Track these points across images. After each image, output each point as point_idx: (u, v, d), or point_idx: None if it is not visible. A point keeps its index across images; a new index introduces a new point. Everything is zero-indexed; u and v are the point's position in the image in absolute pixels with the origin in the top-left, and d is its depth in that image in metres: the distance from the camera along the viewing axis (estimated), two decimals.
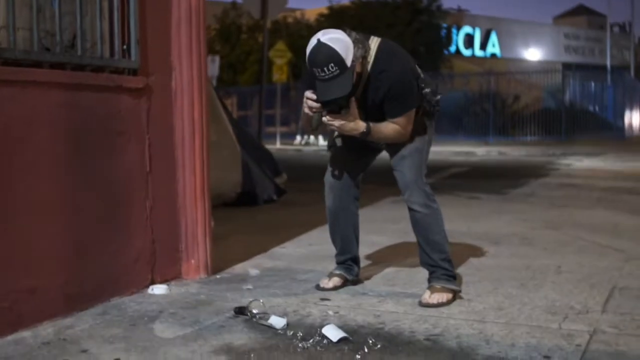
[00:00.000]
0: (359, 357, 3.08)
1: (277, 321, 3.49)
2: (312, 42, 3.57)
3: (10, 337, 3.31)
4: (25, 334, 3.36)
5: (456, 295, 3.97)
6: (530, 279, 4.48)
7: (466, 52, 36.13)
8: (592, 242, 5.74)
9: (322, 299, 4.00)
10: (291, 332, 3.38)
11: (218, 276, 4.56)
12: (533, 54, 38.37)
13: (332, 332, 3.30)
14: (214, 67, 22.49)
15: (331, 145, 3.99)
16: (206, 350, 3.18)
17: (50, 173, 3.57)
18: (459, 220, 6.82)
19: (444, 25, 31.48)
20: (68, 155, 3.66)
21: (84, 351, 3.16)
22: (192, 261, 4.46)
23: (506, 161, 15.72)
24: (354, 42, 3.62)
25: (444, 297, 3.90)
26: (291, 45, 26.74)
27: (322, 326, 3.41)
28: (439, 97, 3.92)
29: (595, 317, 3.64)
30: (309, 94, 3.70)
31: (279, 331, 3.42)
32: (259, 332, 3.41)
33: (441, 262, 3.97)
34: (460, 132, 26.68)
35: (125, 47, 4.03)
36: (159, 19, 4.26)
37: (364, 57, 3.71)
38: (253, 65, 31.36)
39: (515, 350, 3.16)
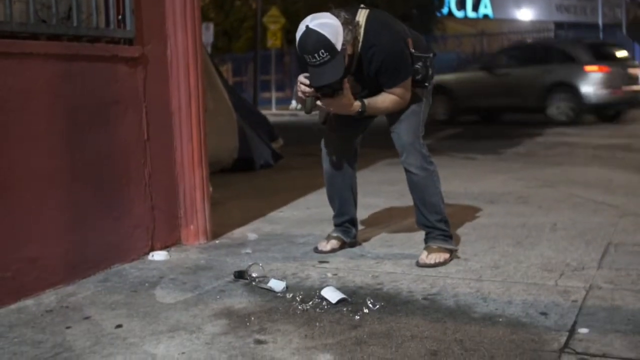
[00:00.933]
0: (358, 317, 3.09)
1: (276, 284, 3.50)
2: (301, 28, 3.52)
3: (13, 306, 3.31)
4: (29, 302, 3.37)
5: (453, 254, 3.98)
6: (525, 237, 4.49)
7: (458, 14, 35.87)
8: (587, 199, 5.75)
9: (321, 262, 4.01)
10: (290, 295, 3.39)
11: (217, 241, 4.56)
12: (525, 14, 38.09)
13: (331, 294, 3.31)
14: (208, 34, 22.34)
15: (324, 121, 3.95)
16: (207, 314, 3.18)
17: (48, 143, 3.56)
18: (456, 180, 6.82)
19: None
20: (66, 125, 3.65)
21: (87, 318, 3.17)
22: (191, 227, 4.46)
23: (502, 120, 15.67)
24: (343, 24, 3.57)
25: (441, 257, 3.91)
26: (285, 10, 26.55)
27: (321, 288, 3.42)
28: (431, 72, 3.89)
29: (591, 273, 3.65)
30: (302, 78, 3.67)
31: (279, 294, 3.43)
32: (259, 296, 3.42)
33: (437, 223, 3.97)
34: None
35: (120, 17, 4.00)
36: None
37: (355, 38, 3.68)
38: (247, 32, 31.17)
39: (512, 307, 3.17)
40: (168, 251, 4.24)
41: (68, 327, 3.06)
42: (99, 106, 3.83)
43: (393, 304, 3.27)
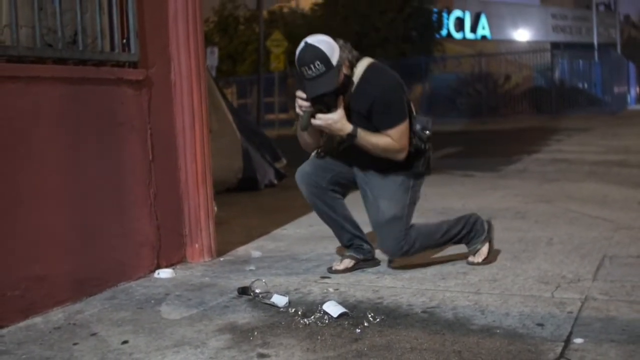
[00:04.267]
0: (359, 330, 3.09)
1: (279, 300, 3.50)
2: (301, 45, 3.65)
3: (22, 324, 3.32)
4: (37, 319, 3.38)
5: (488, 242, 4.16)
6: (522, 251, 4.49)
7: (457, 35, 35.99)
8: (583, 214, 5.75)
9: (323, 277, 4.01)
10: (293, 310, 3.39)
11: (222, 259, 4.56)
12: (522, 34, 38.24)
13: (333, 308, 3.31)
14: (213, 57, 22.46)
15: (306, 128, 3.83)
16: (211, 329, 3.19)
17: (56, 163, 3.58)
18: (454, 197, 6.83)
19: (435, 10, 31.36)
20: (73, 146, 3.67)
21: (94, 334, 3.17)
22: (196, 245, 4.46)
23: (500, 139, 15.67)
24: (340, 47, 3.69)
25: (481, 255, 4.14)
26: (287, 34, 26.69)
27: (322, 303, 3.42)
28: (428, 132, 3.90)
29: (587, 285, 3.65)
30: (299, 92, 3.73)
31: (281, 309, 3.43)
32: (262, 311, 3.42)
33: (457, 239, 4.12)
34: (454, 112, 26.68)
35: (124, 40, 4.03)
36: (157, 12, 4.25)
37: (351, 62, 3.74)
38: (251, 55, 31.31)
39: (509, 319, 3.16)
40: (174, 269, 4.25)
41: (75, 344, 3.06)
42: (105, 128, 3.85)
43: (393, 317, 3.27)
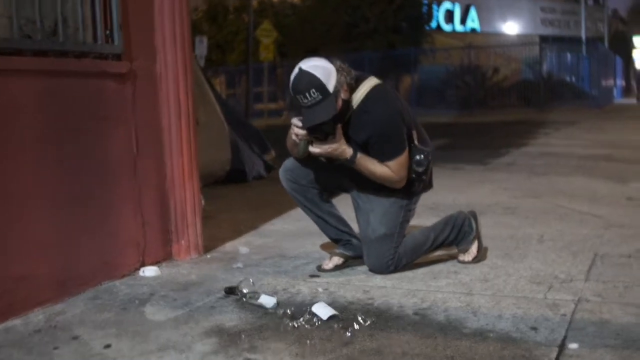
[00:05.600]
0: (349, 334, 2.99)
1: (267, 300, 3.39)
2: (295, 70, 3.47)
3: (1, 326, 3.19)
4: (16, 322, 3.25)
5: (477, 240, 4.07)
6: (514, 248, 4.40)
7: (447, 28, 35.88)
8: (572, 210, 5.67)
9: (312, 276, 3.91)
10: (281, 311, 3.28)
11: (208, 256, 4.45)
12: (511, 27, 38.13)
13: (322, 310, 3.20)
14: (202, 47, 22.20)
15: (303, 155, 3.71)
16: (197, 332, 3.08)
17: (36, 160, 3.45)
18: (444, 191, 6.72)
19: (425, 1, 31.23)
20: (54, 142, 3.53)
21: (75, 338, 3.06)
22: (183, 242, 4.35)
23: (488, 131, 15.59)
24: (337, 70, 3.50)
25: (471, 254, 4.06)
26: (277, 24, 26.51)
27: (311, 304, 3.32)
28: (427, 164, 3.78)
29: (579, 285, 3.56)
30: (295, 120, 3.59)
31: (269, 310, 3.33)
32: (250, 312, 3.31)
33: (446, 244, 4.05)
34: (443, 104, 26.61)
35: (108, 32, 3.89)
36: (142, 2, 4.12)
37: (350, 85, 3.58)
38: (241, 45, 31.07)
39: (502, 322, 3.07)
40: (159, 266, 4.14)
41: (56, 348, 2.94)
42: (87, 122, 3.72)
43: (384, 319, 3.17)
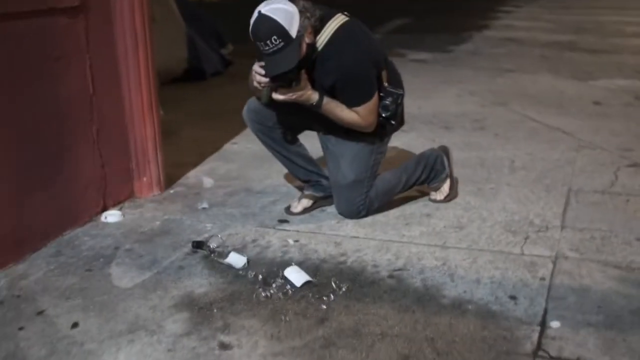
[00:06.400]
0: (324, 307, 2.90)
1: (236, 260, 3.29)
2: (254, 14, 3.19)
3: None
4: None
5: (449, 178, 3.98)
6: (485, 180, 4.32)
7: None
8: (541, 124, 5.59)
9: (281, 221, 3.79)
10: (252, 274, 3.18)
11: (172, 191, 4.30)
12: None
13: (295, 276, 3.11)
14: None
15: (269, 103, 3.48)
16: (167, 304, 2.96)
17: None
18: (409, 96, 6.50)
19: None
20: (3, 90, 3.27)
21: (41, 313, 2.92)
22: (145, 179, 4.18)
23: (449, 8, 15.26)
24: (301, 11, 3.22)
25: (443, 192, 3.98)
26: None
27: (283, 263, 3.24)
28: (394, 109, 3.58)
29: (556, 235, 3.51)
30: (256, 67, 3.34)
31: (240, 272, 3.22)
32: (219, 275, 3.20)
33: (418, 183, 3.93)
34: None
35: None
36: None
37: (314, 27, 3.33)
38: None
39: (480, 289, 3.01)
40: (121, 209, 3.99)
41: (21, 329, 2.81)
42: (38, 65, 3.45)
43: (359, 284, 3.08)
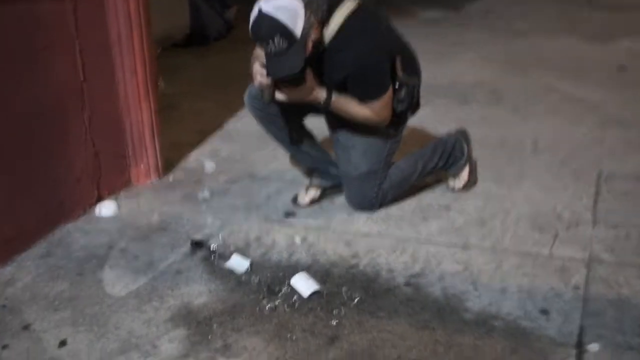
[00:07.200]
0: (335, 322, 2.63)
1: (238, 264, 3.01)
2: (254, 11, 2.85)
3: None
4: None
5: (468, 163, 3.68)
6: (507, 163, 4.01)
7: None
8: (564, 94, 5.25)
9: (287, 215, 3.51)
10: (256, 280, 2.91)
11: (170, 178, 4.01)
12: None
13: (302, 285, 2.83)
14: None
15: (272, 100, 3.15)
16: (162, 317, 2.70)
17: None
18: (422, 61, 6.24)
19: None
20: None
21: (26, 327, 2.66)
22: (142, 166, 3.90)
23: None
24: (306, 5, 2.85)
25: (462, 179, 3.68)
26: None
27: (289, 267, 2.97)
28: (409, 100, 3.28)
29: (587, 233, 3.21)
30: (257, 67, 3.01)
31: (242, 277, 2.94)
32: (220, 281, 2.93)
33: (435, 171, 3.63)
34: None
35: None
36: None
37: (321, 20, 2.97)
38: None
39: (507, 300, 2.72)
40: (117, 199, 3.71)
41: (5, 347, 2.55)
42: (25, 57, 3.16)
43: (372, 294, 2.80)
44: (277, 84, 3.01)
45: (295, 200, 3.61)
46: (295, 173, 3.94)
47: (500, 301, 2.71)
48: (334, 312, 2.68)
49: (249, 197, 3.71)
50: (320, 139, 3.68)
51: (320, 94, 3.07)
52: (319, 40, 2.98)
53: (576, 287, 2.78)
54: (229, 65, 6.52)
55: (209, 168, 4.12)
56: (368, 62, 3.03)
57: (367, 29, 3.06)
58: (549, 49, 6.79)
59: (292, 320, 2.64)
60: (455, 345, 2.47)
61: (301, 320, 2.64)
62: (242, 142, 4.52)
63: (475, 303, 2.71)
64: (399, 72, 3.13)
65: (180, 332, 2.60)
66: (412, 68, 3.25)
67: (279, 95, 3.04)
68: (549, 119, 4.73)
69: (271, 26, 2.79)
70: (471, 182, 3.68)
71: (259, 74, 2.99)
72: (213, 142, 4.56)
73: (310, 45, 2.92)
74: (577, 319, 2.58)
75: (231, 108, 5.07)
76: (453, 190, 3.65)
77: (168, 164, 4.09)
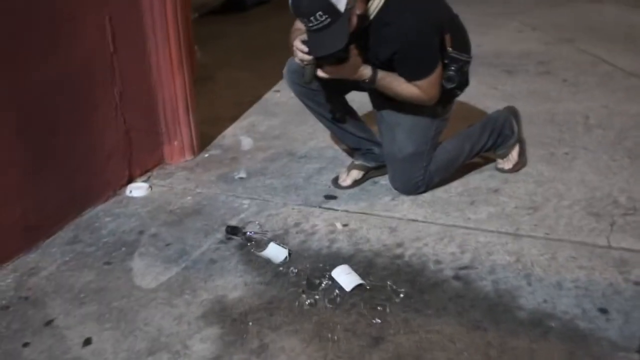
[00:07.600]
0: (379, 321, 2.42)
1: (276, 252, 2.81)
2: None
3: None
4: None
5: (518, 143, 3.45)
6: (558, 141, 3.76)
7: None
8: (613, 67, 4.95)
9: (327, 197, 3.30)
10: (295, 271, 2.70)
11: (206, 155, 3.82)
12: None
13: (344, 278, 2.62)
14: None
15: (311, 81, 2.92)
16: (194, 313, 2.51)
17: None
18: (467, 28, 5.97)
19: None
20: (12, 53, 2.77)
21: (49, 323, 2.49)
22: (175, 143, 3.71)
23: None
24: None
25: (511, 160, 3.44)
26: None
27: (330, 257, 2.75)
28: (459, 79, 3.01)
29: None
30: (298, 43, 2.77)
31: (280, 268, 2.74)
32: (256, 272, 2.73)
33: (484, 151, 3.39)
34: None
35: None
36: None
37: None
38: None
39: (563, 297, 2.49)
40: (149, 179, 3.52)
41: (25, 345, 2.38)
42: (50, 27, 2.95)
43: (419, 288, 2.59)
44: (319, 61, 2.77)
45: (336, 181, 3.39)
46: (336, 151, 3.73)
47: (556, 298, 2.48)
48: (378, 308, 2.47)
49: (287, 177, 3.51)
50: (363, 114, 3.45)
51: (365, 71, 2.84)
52: (364, 14, 2.73)
53: (637, 283, 2.54)
54: (267, 33, 6.28)
55: (245, 145, 3.92)
56: (416, 38, 2.79)
57: (417, 3, 2.81)
58: (597, 16, 6.48)
59: (333, 318, 2.44)
60: (509, 350, 2.25)
61: (343, 318, 2.44)
62: (281, 117, 4.31)
63: (529, 300, 2.48)
64: (449, 48, 2.88)
65: (213, 331, 2.41)
66: (462, 43, 3.00)
67: (321, 74, 2.81)
68: (599, 92, 4.46)
69: (313, 0, 2.54)
70: (522, 164, 3.44)
71: (300, 51, 2.76)
72: (250, 116, 4.36)
73: (354, 19, 2.68)
74: (638, 320, 2.35)
75: (269, 79, 4.87)
76: (502, 171, 3.41)
77: (203, 142, 3.90)
